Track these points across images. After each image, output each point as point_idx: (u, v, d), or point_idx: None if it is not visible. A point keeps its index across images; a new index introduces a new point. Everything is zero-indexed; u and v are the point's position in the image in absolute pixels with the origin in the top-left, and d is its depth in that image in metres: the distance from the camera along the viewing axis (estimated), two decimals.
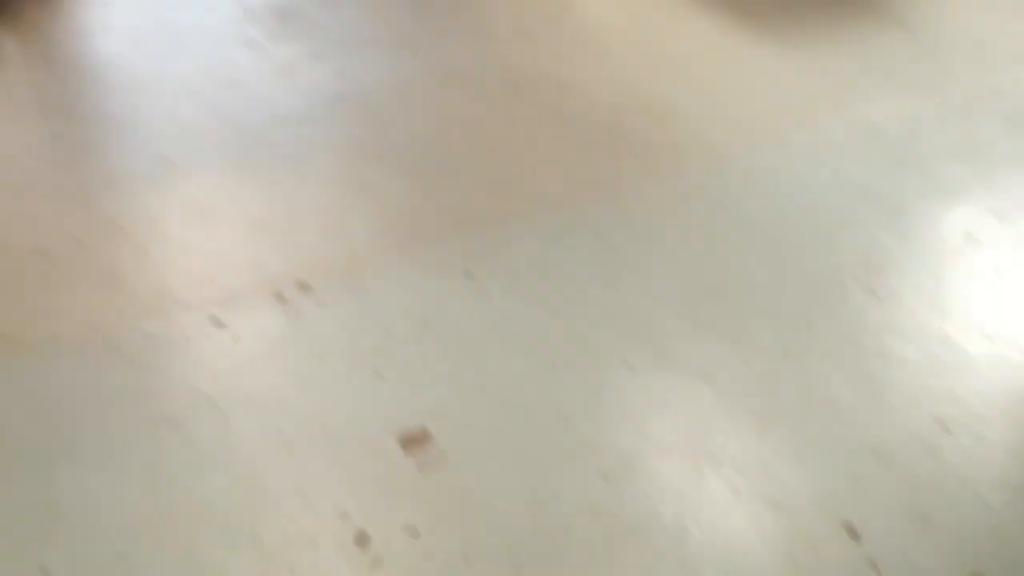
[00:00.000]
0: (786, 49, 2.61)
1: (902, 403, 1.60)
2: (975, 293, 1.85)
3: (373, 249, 1.95)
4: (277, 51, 2.69)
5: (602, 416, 1.56)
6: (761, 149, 2.21)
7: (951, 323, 1.77)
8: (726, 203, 2.04)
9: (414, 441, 1.52)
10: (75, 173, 2.17)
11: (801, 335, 1.72)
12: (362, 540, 1.36)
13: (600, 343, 1.70)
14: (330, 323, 1.77)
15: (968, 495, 1.43)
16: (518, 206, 2.06)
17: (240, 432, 1.52)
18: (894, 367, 1.67)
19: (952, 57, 2.68)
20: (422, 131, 2.33)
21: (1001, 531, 1.38)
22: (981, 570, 1.33)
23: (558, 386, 1.61)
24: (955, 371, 1.66)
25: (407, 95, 2.48)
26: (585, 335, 1.71)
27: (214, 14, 2.90)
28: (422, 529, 1.37)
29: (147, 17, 2.89)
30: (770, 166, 2.15)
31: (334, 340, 1.73)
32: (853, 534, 1.37)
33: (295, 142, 2.29)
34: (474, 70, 2.58)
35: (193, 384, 1.62)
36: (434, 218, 2.03)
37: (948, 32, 2.81)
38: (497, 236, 1.97)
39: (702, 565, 1.32)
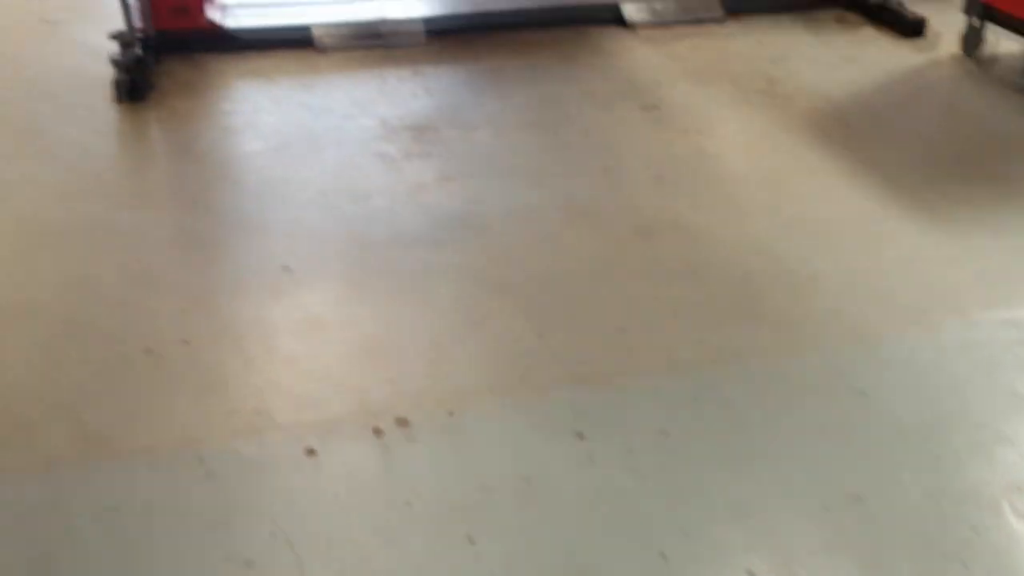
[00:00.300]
0: (936, 227, 2.44)
1: None
2: None
3: (479, 389, 1.85)
4: (409, 168, 2.69)
5: None
6: (909, 338, 2.03)
7: None
8: (869, 394, 1.85)
9: None
10: (194, 271, 2.17)
11: (949, 568, 1.50)
12: None
13: (722, 543, 1.51)
14: (423, 466, 1.66)
15: None
16: (639, 363, 1.93)
17: None
18: None
19: None
20: (543, 268, 2.25)
21: None
22: None
23: None
24: None
25: (532, 228, 2.42)
26: (705, 530, 1.54)
27: (354, 124, 2.95)
28: None
29: (291, 120, 2.96)
30: (919, 359, 1.96)
31: (425, 487, 1.61)
32: None
33: (416, 265, 2.24)
34: (602, 209, 2.51)
35: (275, 519, 1.52)
36: (547, 365, 1.92)
37: None
38: (614, 395, 1.84)
39: None
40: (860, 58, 3.50)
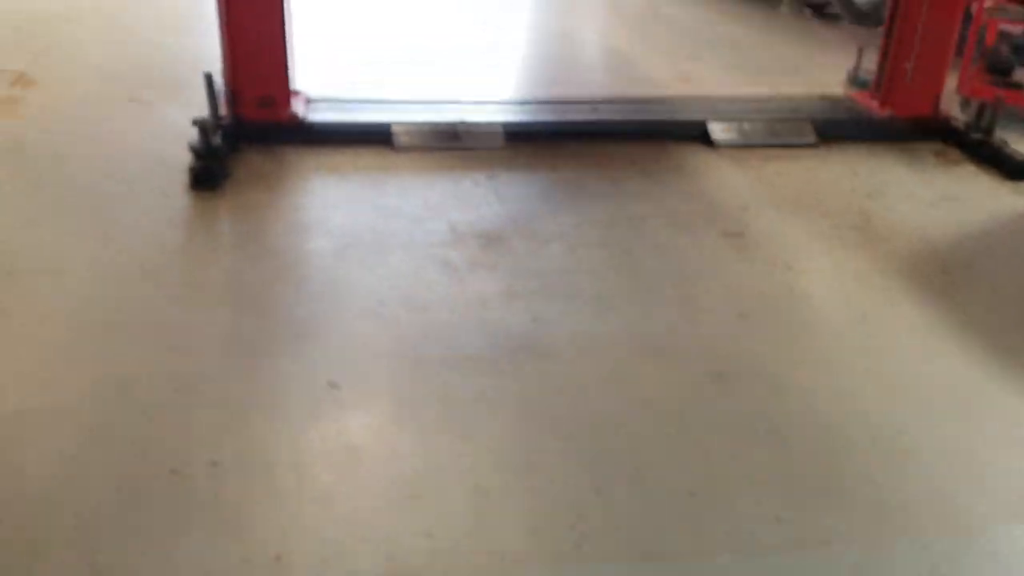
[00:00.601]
0: None
1: None
2: None
3: (526, 555, 1.64)
4: (473, 280, 2.57)
5: None
6: (1017, 533, 1.76)
7: None
8: None
9: None
10: (238, 380, 2.05)
11: None
12: None
13: None
14: None
15: None
16: (710, 540, 1.70)
17: None
18: None
19: None
20: (608, 409, 2.06)
21: None
22: None
23: None
24: None
25: (599, 360, 2.24)
26: None
27: (422, 228, 2.86)
28: None
29: (360, 219, 2.89)
30: None
31: None
32: None
33: (469, 391, 2.08)
34: (677, 345, 2.32)
35: None
36: (605, 532, 1.71)
37: None
38: None
39: None
40: (961, 197, 3.29)
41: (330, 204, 2.99)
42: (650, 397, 2.11)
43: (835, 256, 2.80)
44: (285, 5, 3.29)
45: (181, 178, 3.02)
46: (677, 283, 2.61)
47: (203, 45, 3.28)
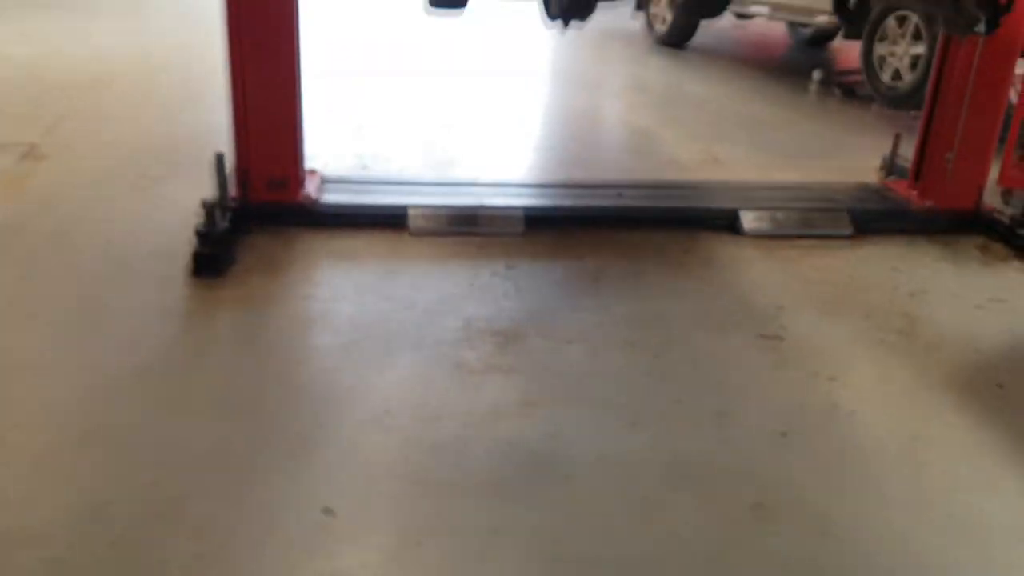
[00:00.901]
0: None
1: None
2: None
3: None
4: (489, 386, 2.37)
5: None
6: None
7: None
8: None
9: None
10: (224, 503, 1.85)
11: None
12: None
13: None
14: None
15: None
16: None
17: None
18: None
19: None
20: (634, 546, 1.84)
21: None
22: None
23: None
24: None
25: (625, 485, 2.02)
26: None
27: (436, 324, 2.68)
28: None
29: (370, 312, 2.72)
30: None
31: None
32: None
33: (479, 522, 1.86)
34: (713, 470, 2.10)
35: None
36: None
37: None
38: None
39: None
40: (1009, 300, 3.08)
41: (339, 295, 2.82)
42: (683, 533, 1.88)
43: (881, 366, 2.59)
44: (299, 84, 3.18)
45: (185, 263, 2.87)
46: (711, 394, 2.40)
47: (223, 122, 3.17)
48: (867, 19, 5.93)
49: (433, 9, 3.41)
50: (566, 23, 2.60)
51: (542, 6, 2.84)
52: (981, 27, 2.22)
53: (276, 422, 2.15)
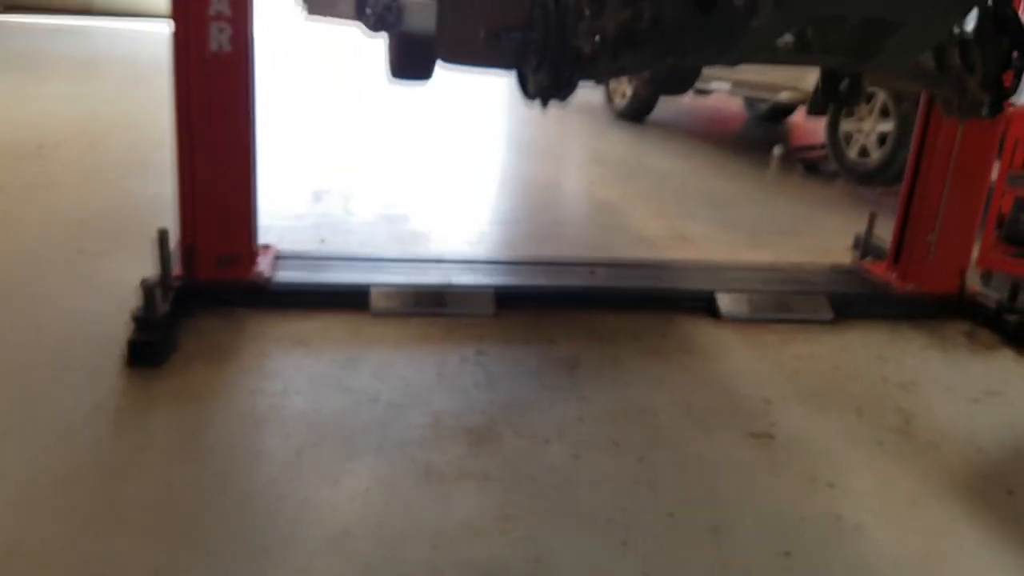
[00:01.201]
0: None
1: None
2: None
3: None
4: (460, 497, 2.12)
5: None
6: None
7: None
8: None
9: None
10: None
11: None
12: None
13: None
14: None
15: None
16: None
17: None
18: None
19: None
20: None
21: None
22: None
23: None
24: None
25: None
26: None
27: (401, 421, 2.43)
28: None
29: (326, 408, 2.46)
30: None
31: None
32: None
33: None
34: None
35: None
36: None
37: None
38: None
39: None
40: (1005, 392, 2.94)
41: (291, 388, 2.56)
42: None
43: (881, 471, 2.40)
44: (253, 151, 2.96)
45: (121, 351, 2.59)
46: (704, 505, 2.18)
47: (171, 192, 2.93)
48: (858, 101, 5.96)
49: (396, 80, 3.26)
50: (545, 103, 2.44)
51: (518, 85, 2.68)
52: (985, 110, 2.12)
53: (216, 548, 1.86)
